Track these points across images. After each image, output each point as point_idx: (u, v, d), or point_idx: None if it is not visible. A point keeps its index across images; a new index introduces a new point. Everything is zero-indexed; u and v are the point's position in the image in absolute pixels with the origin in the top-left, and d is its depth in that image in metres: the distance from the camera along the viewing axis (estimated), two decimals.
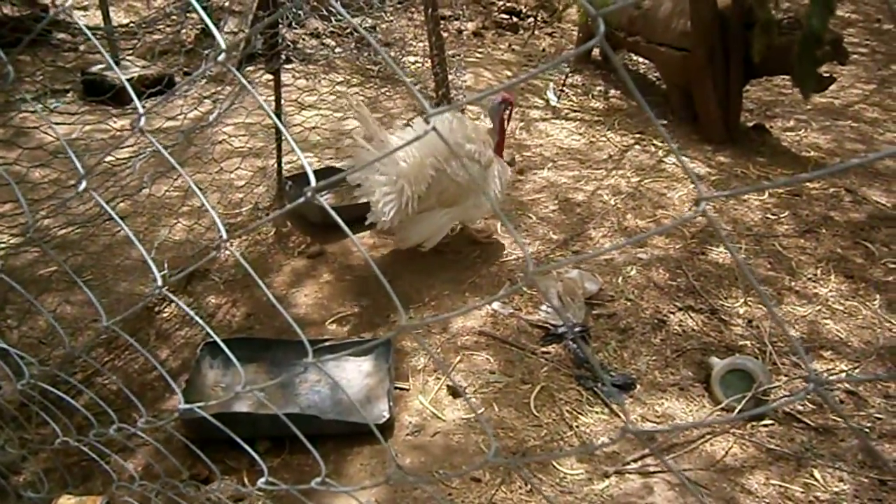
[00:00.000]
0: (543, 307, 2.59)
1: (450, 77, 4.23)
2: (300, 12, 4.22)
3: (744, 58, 3.81)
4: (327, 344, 2.41)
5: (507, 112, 2.91)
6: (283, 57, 3.12)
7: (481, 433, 2.12)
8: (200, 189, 3.00)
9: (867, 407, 2.25)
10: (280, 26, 3.22)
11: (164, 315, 2.58)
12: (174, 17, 3.40)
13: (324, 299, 2.71)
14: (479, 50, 5.49)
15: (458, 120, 2.81)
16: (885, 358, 2.43)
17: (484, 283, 2.77)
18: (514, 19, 6.16)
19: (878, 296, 2.73)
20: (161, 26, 3.58)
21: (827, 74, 3.80)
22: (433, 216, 2.79)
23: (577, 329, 2.45)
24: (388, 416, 2.11)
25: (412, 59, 4.64)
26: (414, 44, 4.94)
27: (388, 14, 5.34)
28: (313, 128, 3.57)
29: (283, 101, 3.16)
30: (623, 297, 2.67)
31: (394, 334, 2.52)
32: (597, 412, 2.20)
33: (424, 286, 2.75)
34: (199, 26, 4.65)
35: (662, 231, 3.21)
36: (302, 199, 0.80)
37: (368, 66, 4.64)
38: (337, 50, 4.85)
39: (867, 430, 2.18)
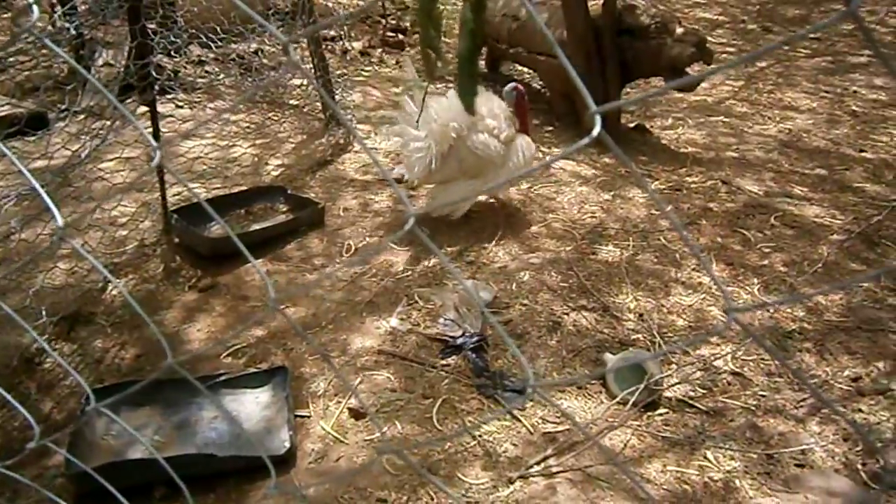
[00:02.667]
0: (441, 320, 2.60)
1: (337, 97, 4.22)
2: (178, 40, 4.12)
3: (619, 62, 3.97)
4: (222, 378, 2.35)
5: (521, 96, 3.20)
6: (158, 87, 3.02)
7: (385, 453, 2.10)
8: (78, 230, 2.87)
9: (752, 386, 2.37)
10: (153, 55, 3.14)
11: (46, 366, 2.45)
12: (36, 51, 3.25)
13: (218, 333, 2.63)
14: (367, 68, 5.50)
15: (484, 96, 3.12)
16: (765, 337, 2.56)
17: (380, 300, 2.76)
18: (401, 36, 6.20)
19: (755, 279, 2.88)
20: (25, 60, 3.43)
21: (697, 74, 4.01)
22: (458, 186, 3.13)
23: (475, 339, 2.48)
24: (288, 445, 2.07)
25: (297, 81, 4.60)
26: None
27: (272, 37, 5.29)
28: (196, 158, 3.48)
29: (164, 132, 3.07)
30: (518, 302, 2.71)
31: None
32: (499, 419, 2.22)
33: (320, 309, 2.71)
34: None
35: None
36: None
37: (254, 92, 4.56)
38: (220, 76, 4.76)
39: (753, 407, 2.29)
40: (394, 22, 6.44)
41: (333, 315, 2.70)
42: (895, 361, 2.46)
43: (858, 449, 2.14)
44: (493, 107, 3.11)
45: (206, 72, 4.87)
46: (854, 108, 4.88)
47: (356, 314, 2.70)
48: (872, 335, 2.59)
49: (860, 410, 2.28)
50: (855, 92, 5.17)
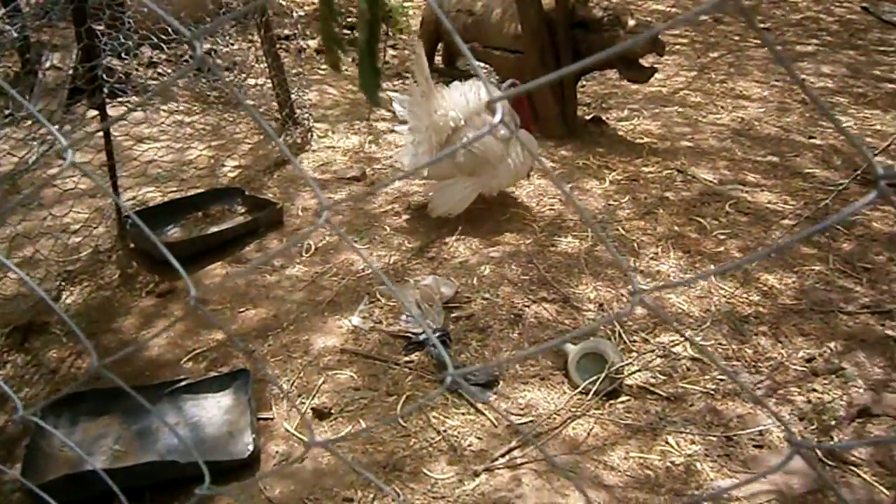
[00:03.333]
0: (403, 317, 2.60)
1: (293, 97, 4.18)
2: (128, 42, 4.04)
3: (573, 55, 4.00)
4: (183, 384, 2.33)
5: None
6: (107, 89, 2.96)
7: (350, 451, 2.10)
8: (28, 238, 2.80)
9: (711, 370, 2.41)
10: (102, 58, 3.07)
11: None
12: None
13: (177, 338, 2.60)
14: (323, 67, 5.45)
15: (484, 91, 2.97)
16: (722, 322, 2.61)
17: (342, 300, 2.74)
18: (356, 34, 6.16)
19: (711, 266, 2.93)
20: None
21: (650, 65, 4.06)
22: (456, 185, 3.11)
23: (437, 334, 2.48)
24: (252, 448, 2.05)
25: (253, 81, 4.54)
26: (256, 66, 4.85)
27: (226, 37, 5.23)
28: (150, 161, 3.43)
29: (115, 136, 3.02)
30: (479, 296, 2.72)
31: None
32: (463, 413, 2.23)
33: (281, 311, 2.69)
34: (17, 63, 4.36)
35: None
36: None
37: (208, 93, 4.50)
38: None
39: (712, 391, 2.33)
40: (349, 20, 6.41)
41: (295, 315, 2.68)
42: (846, 341, 2.52)
43: (814, 427, 2.20)
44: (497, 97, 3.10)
45: (159, 73, 4.79)
46: (803, 96, 4.98)
47: (318, 314, 2.68)
48: (824, 316, 2.65)
49: (814, 390, 2.34)
50: (804, 80, 5.28)
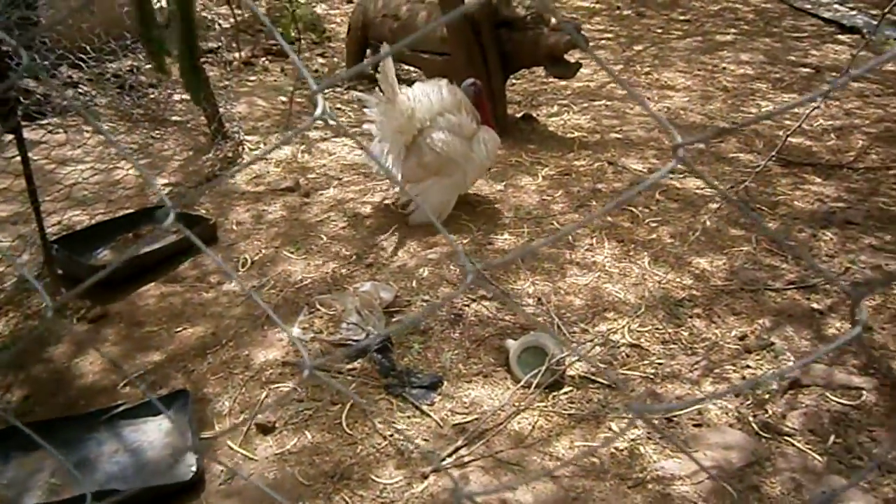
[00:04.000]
0: (343, 325, 2.59)
1: (221, 110, 4.12)
2: (45, 63, 3.92)
3: (499, 54, 4.04)
4: (121, 409, 2.27)
5: (479, 91, 3.26)
6: (24, 112, 2.87)
7: (297, 464, 2.08)
8: None
9: (649, 355, 2.47)
10: (17, 79, 2.97)
11: None
12: None
13: (112, 363, 2.53)
14: (251, 78, 5.39)
15: (447, 90, 3.13)
16: (657, 307, 2.67)
17: (281, 312, 2.71)
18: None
19: (644, 253, 3.00)
20: None
21: (575, 61, 4.14)
22: (431, 190, 3.13)
23: (379, 340, 2.47)
24: (195, 469, 2.01)
25: (179, 96, 4.47)
26: (181, 81, 4.76)
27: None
28: (74, 184, 3.33)
29: (36, 159, 2.92)
30: (419, 298, 2.73)
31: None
32: (408, 417, 2.23)
33: (220, 328, 2.65)
34: None
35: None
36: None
37: (132, 111, 4.39)
38: (96, 97, 4.55)
39: (651, 375, 2.38)
40: (278, 29, 6.34)
41: (234, 331, 2.63)
42: (775, 317, 2.61)
43: (749, 403, 2.27)
44: (455, 101, 3.13)
45: (80, 93, 4.66)
46: (725, 83, 5.15)
47: (257, 328, 2.65)
48: (754, 295, 2.74)
49: (748, 366, 2.41)
50: (724, 68, 5.45)
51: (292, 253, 3.07)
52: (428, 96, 3.11)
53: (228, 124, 4.12)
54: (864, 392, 2.29)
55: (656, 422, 2.21)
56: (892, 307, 2.68)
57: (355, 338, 2.52)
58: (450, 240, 0.84)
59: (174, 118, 4.42)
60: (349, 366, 2.43)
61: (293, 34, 5.76)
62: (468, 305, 2.69)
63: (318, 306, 2.71)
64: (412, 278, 2.85)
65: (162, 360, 2.52)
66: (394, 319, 2.63)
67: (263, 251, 3.11)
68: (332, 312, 2.68)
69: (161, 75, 3.34)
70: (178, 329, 2.67)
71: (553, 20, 4.02)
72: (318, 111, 0.62)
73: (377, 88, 3.11)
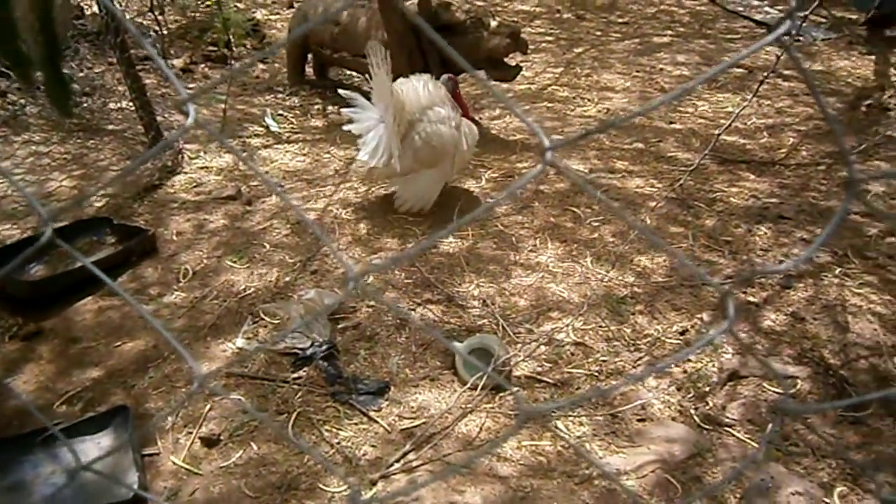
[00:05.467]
0: (288, 333, 2.56)
1: (159, 118, 4.03)
2: None
3: (440, 59, 4.05)
4: (58, 428, 2.20)
5: (456, 84, 3.41)
6: None
7: (243, 476, 2.04)
8: None
9: (594, 353, 2.50)
10: None
11: None
12: None
13: (48, 381, 2.45)
14: (191, 86, 5.29)
15: (432, 85, 3.23)
16: (601, 305, 2.71)
17: (224, 322, 2.67)
18: (223, 50, 6.01)
19: (587, 253, 3.04)
20: None
21: (515, 64, 4.18)
22: (419, 178, 3.20)
23: (324, 347, 2.45)
24: (137, 487, 1.97)
25: (115, 104, 4.36)
26: (118, 89, 4.66)
27: (85, 61, 4.99)
28: (3, 196, 3.22)
29: None
30: (364, 304, 2.71)
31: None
32: (356, 423, 2.21)
33: (161, 341, 2.59)
34: None
35: None
36: None
37: (67, 120, 4.27)
38: (25, 107, 4.41)
39: (596, 373, 2.42)
40: (215, 36, 6.24)
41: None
42: (714, 311, 2.68)
43: (691, 395, 2.32)
44: (441, 94, 3.23)
45: (9, 103, 4.51)
46: (663, 84, 5.26)
47: (200, 339, 2.60)
48: (693, 290, 2.80)
49: (689, 360, 2.46)
50: (662, 70, 5.57)
51: (235, 262, 3.03)
52: (416, 91, 3.19)
53: (167, 133, 4.04)
54: (798, 381, 2.36)
55: (600, 418, 2.24)
56: (823, 298, 2.77)
57: (300, 346, 2.49)
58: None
59: (110, 127, 4.31)
60: (295, 374, 2.41)
61: (224, 41, 5.68)
62: (414, 310, 2.69)
63: (263, 315, 2.68)
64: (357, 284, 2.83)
65: (100, 377, 2.46)
66: (339, 326, 2.61)
67: (205, 261, 3.05)
68: (276, 321, 2.64)
69: (28, 85, 3.27)
70: (117, 344, 2.60)
71: (492, 24, 4.05)
72: (190, 121, 0.61)
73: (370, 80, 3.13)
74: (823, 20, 6.71)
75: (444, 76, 3.42)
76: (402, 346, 2.51)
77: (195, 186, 3.72)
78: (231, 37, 6.15)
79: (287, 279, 2.90)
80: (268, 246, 3.13)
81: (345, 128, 3.20)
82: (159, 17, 5.28)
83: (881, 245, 3.14)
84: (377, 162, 3.07)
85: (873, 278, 2.91)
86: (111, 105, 4.49)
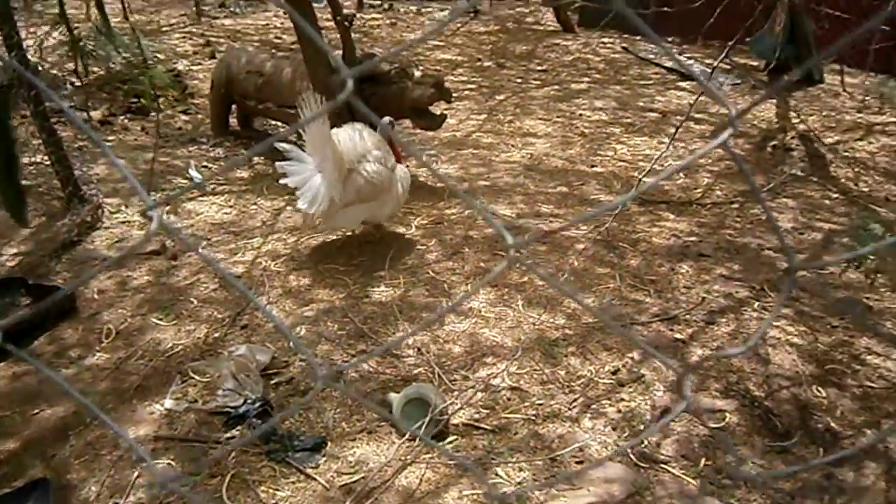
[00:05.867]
0: (219, 392, 2.49)
1: (76, 172, 3.91)
2: None
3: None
4: None
5: (393, 130, 3.52)
6: None
7: None
8: None
9: (529, 397, 2.52)
10: None
11: None
12: None
13: None
14: (110, 138, 5.16)
15: (367, 132, 3.35)
16: (534, 349, 2.75)
17: (151, 383, 2.57)
18: (144, 101, 5.91)
19: (518, 296, 3.08)
20: None
21: (440, 112, 4.26)
22: (353, 209, 3.28)
23: (257, 405, 2.39)
24: None
25: (28, 159, 4.21)
26: (32, 142, 4.52)
27: None
28: None
29: None
30: (297, 359, 2.67)
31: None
32: (293, 482, 2.15)
33: (82, 406, 2.47)
34: None
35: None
36: None
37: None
38: None
39: (533, 416, 2.43)
40: (136, 87, 6.13)
41: (99, 408, 2.47)
42: (643, 350, 2.74)
43: (626, 434, 2.36)
44: (376, 140, 3.35)
45: None
46: (582, 129, 5.45)
47: (125, 402, 2.49)
48: (623, 329, 2.87)
49: (622, 400, 2.51)
50: (581, 115, 5.78)
51: (161, 319, 2.94)
52: (352, 139, 3.28)
53: (85, 187, 3.92)
54: (727, 414, 2.44)
55: (539, 463, 2.25)
56: (745, 332, 2.88)
57: (232, 404, 2.42)
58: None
59: (23, 182, 4.14)
60: (227, 434, 2.33)
61: (148, 93, 5.58)
62: (347, 362, 2.66)
63: (192, 374, 2.60)
64: (289, 338, 2.78)
65: (17, 448, 2.32)
66: (272, 382, 2.56)
67: (129, 320, 2.95)
68: (206, 380, 2.57)
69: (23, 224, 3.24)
70: (35, 411, 2.47)
71: (417, 74, 4.13)
72: (153, 226, 0.60)
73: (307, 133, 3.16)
74: (728, 67, 7.10)
75: (385, 119, 3.50)
76: (338, 400, 2.47)
77: (117, 242, 3.61)
78: (153, 89, 6.07)
79: (216, 335, 2.82)
80: (195, 301, 3.05)
81: (282, 181, 3.18)
82: (78, 69, 5.15)
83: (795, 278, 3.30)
84: (316, 210, 3.07)
85: (789, 311, 3.05)
86: (25, 159, 4.33)
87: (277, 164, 3.17)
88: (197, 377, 2.59)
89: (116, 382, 2.60)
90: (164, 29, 8.19)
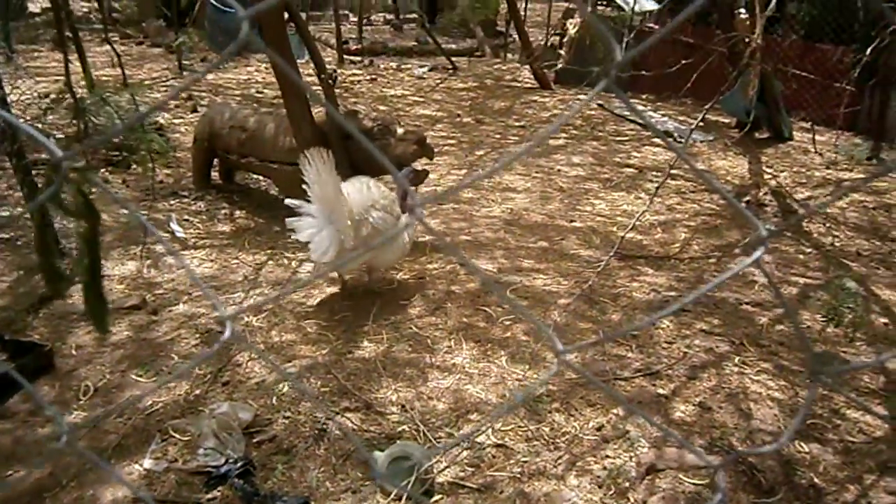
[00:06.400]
0: (200, 451, 2.44)
1: (56, 225, 3.89)
2: None
3: (349, 165, 4.14)
4: None
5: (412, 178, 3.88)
6: None
7: None
8: None
9: (515, 454, 2.51)
10: None
11: None
12: None
13: None
14: (93, 190, 5.13)
15: (373, 184, 3.54)
16: (523, 405, 2.74)
17: (130, 442, 2.52)
18: (125, 154, 5.92)
19: (502, 352, 3.09)
20: None
21: (422, 168, 4.31)
22: (359, 254, 3.34)
23: (239, 464, 2.35)
24: None
25: (8, 212, 4.18)
26: (11, 195, 4.50)
27: None
28: None
29: None
30: (280, 416, 2.63)
31: None
32: None
33: (59, 467, 2.41)
34: None
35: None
36: None
37: None
38: None
39: (518, 474, 2.42)
40: (116, 140, 6.14)
41: (76, 470, 2.41)
42: (627, 405, 2.75)
43: (612, 493, 2.35)
44: (382, 191, 3.53)
45: None
46: (561, 184, 5.54)
47: (103, 461, 2.44)
48: (606, 385, 2.88)
49: (607, 456, 2.51)
50: (559, 170, 5.88)
51: (141, 376, 2.89)
52: (360, 191, 3.44)
53: (64, 240, 3.89)
54: (712, 469, 2.44)
55: None
56: (726, 387, 2.91)
57: (214, 464, 2.38)
58: None
59: (1, 235, 4.11)
60: (209, 495, 2.29)
61: (131, 147, 5.60)
62: (331, 419, 2.63)
63: (172, 433, 2.55)
64: (272, 395, 2.76)
65: None
66: (254, 440, 2.52)
67: (108, 376, 2.90)
68: (187, 438, 2.52)
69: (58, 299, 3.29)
70: (9, 473, 2.40)
71: (399, 131, 4.19)
72: (227, 334, 0.62)
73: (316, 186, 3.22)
74: (701, 124, 7.29)
75: (406, 170, 3.81)
76: (322, 458, 2.44)
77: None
78: (133, 142, 6.08)
79: (197, 392, 2.79)
80: (176, 357, 3.02)
81: (294, 237, 3.20)
82: (59, 121, 5.17)
83: (772, 333, 3.36)
84: (328, 258, 3.13)
85: (769, 365, 3.09)
86: (3, 213, 4.30)
87: (287, 220, 3.22)
88: (177, 435, 2.54)
89: (94, 441, 2.55)
90: (146, 83, 8.24)
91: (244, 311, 3.36)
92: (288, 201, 3.23)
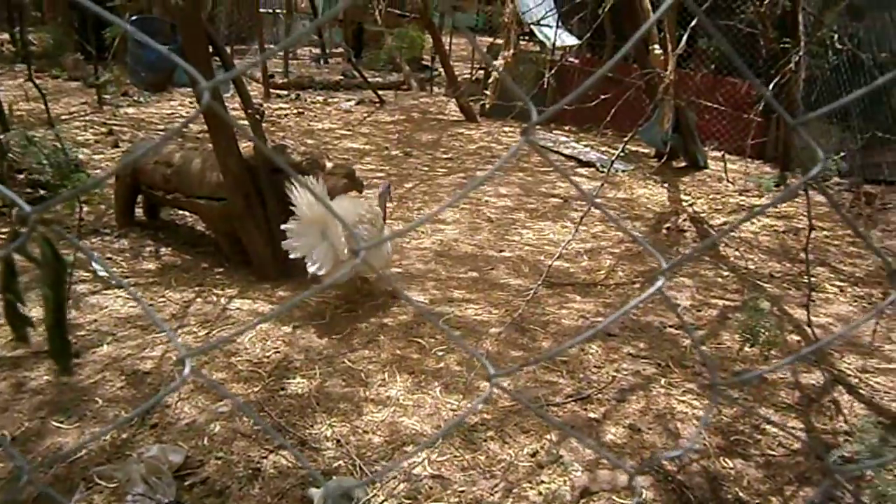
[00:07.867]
0: (129, 498, 2.36)
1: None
2: None
3: (278, 200, 4.11)
4: None
5: (389, 195, 4.16)
6: None
7: None
8: None
9: (451, 484, 2.52)
10: None
11: None
12: None
13: None
14: (4, 230, 4.93)
15: (359, 202, 3.96)
16: (454, 435, 2.76)
17: (53, 492, 2.42)
18: (41, 192, 5.71)
19: (436, 383, 3.11)
20: None
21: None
22: (348, 264, 3.52)
23: None
24: None
25: None
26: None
27: None
28: None
29: None
30: (212, 457, 2.57)
31: None
32: None
33: None
34: None
35: None
36: None
37: None
38: None
39: None
40: (33, 177, 5.93)
41: None
42: (560, 430, 2.81)
43: None
44: (366, 207, 3.83)
45: None
46: (489, 214, 5.64)
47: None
48: (539, 409, 2.93)
49: (543, 482, 2.55)
50: (487, 201, 5.99)
51: (62, 422, 2.78)
52: (345, 209, 3.75)
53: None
54: (643, 490, 2.51)
55: None
56: (654, 408, 3.00)
57: None
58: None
59: None
60: None
61: (50, 183, 5.42)
62: (266, 457, 2.59)
63: (98, 480, 2.46)
64: (203, 435, 2.69)
65: None
66: (186, 483, 2.45)
67: (26, 424, 2.78)
68: (114, 485, 2.44)
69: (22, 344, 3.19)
70: None
71: (328, 165, 4.20)
72: (186, 371, 0.63)
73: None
74: (622, 154, 7.56)
75: (384, 184, 4.15)
76: (257, 498, 2.39)
77: (12, 339, 3.42)
78: (51, 178, 5.89)
79: (124, 436, 2.70)
80: (100, 401, 2.91)
81: (292, 255, 3.48)
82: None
83: (695, 354, 3.48)
84: (325, 271, 3.43)
85: (693, 385, 3.21)
86: None
87: (283, 243, 3.53)
88: (103, 483, 2.45)
89: (11, 495, 2.43)
90: (63, 117, 7.99)
91: (204, 349, 3.29)
92: (284, 226, 3.54)
